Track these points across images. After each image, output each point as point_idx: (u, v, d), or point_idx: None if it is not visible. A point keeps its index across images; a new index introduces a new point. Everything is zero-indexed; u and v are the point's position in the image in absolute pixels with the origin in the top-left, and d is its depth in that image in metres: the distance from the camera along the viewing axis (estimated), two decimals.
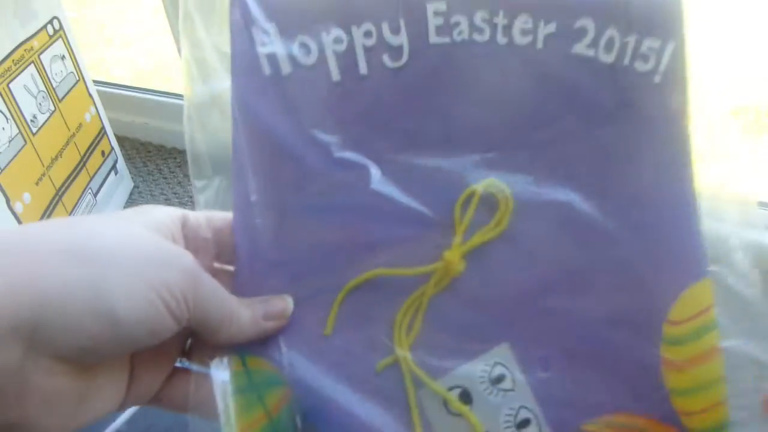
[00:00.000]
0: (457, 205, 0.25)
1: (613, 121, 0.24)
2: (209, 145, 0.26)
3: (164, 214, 0.24)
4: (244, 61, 0.24)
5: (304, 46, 0.24)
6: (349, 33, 0.24)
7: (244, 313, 0.24)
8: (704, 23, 0.24)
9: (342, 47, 0.24)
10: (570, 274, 0.25)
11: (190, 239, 0.25)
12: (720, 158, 0.25)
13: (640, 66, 0.24)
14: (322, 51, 0.24)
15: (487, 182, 0.25)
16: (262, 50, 0.24)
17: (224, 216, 0.26)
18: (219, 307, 0.23)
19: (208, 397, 0.24)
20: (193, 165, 0.26)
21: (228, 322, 0.23)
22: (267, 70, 0.24)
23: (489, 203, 0.25)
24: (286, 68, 0.24)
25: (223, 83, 0.25)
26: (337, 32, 0.24)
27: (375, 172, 0.25)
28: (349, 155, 0.25)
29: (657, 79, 0.24)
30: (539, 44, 0.24)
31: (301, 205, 0.25)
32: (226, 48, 0.24)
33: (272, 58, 0.24)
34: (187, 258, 0.22)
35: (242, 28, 0.24)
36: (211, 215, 0.26)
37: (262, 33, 0.24)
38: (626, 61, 0.24)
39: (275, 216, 0.25)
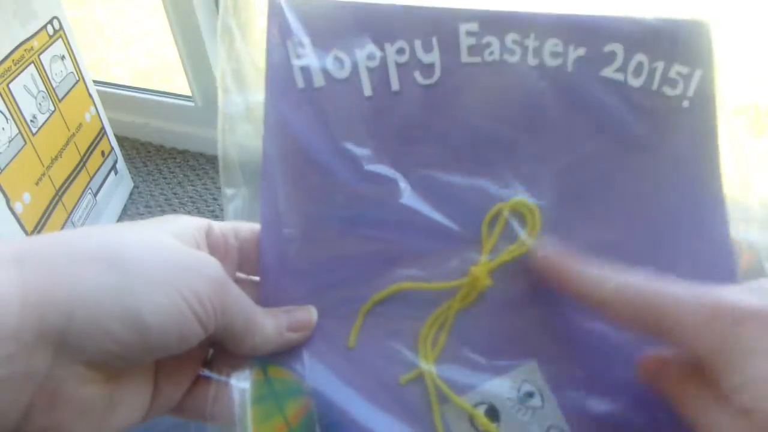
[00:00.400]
0: (484, 222, 0.25)
1: (641, 144, 0.25)
2: (241, 155, 0.26)
3: (189, 223, 0.24)
4: (279, 73, 0.24)
5: (338, 60, 0.24)
6: (382, 49, 0.24)
7: (269, 324, 0.24)
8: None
9: (375, 63, 0.24)
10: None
11: (214, 248, 0.24)
12: (742, 160, 0.25)
13: (669, 90, 0.25)
14: (355, 66, 0.24)
15: (515, 200, 0.25)
16: (297, 63, 0.24)
17: (250, 227, 0.25)
18: (244, 315, 0.23)
19: (228, 406, 0.23)
20: (224, 174, 0.26)
21: (252, 331, 0.23)
22: (301, 82, 0.24)
23: (516, 221, 0.25)
24: (319, 81, 0.24)
25: (258, 95, 0.25)
26: (370, 48, 0.24)
27: (404, 186, 0.25)
28: (379, 169, 0.25)
29: (686, 103, 0.25)
30: (569, 67, 0.24)
31: (329, 217, 0.25)
32: (262, 63, 0.25)
33: (306, 71, 0.24)
34: (215, 265, 0.22)
35: (278, 41, 0.24)
36: (236, 225, 0.25)
37: (297, 46, 0.24)
38: (655, 85, 0.25)
39: (302, 226, 0.25)
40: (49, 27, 0.63)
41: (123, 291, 0.20)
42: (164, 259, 0.21)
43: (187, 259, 0.22)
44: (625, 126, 0.25)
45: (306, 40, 0.24)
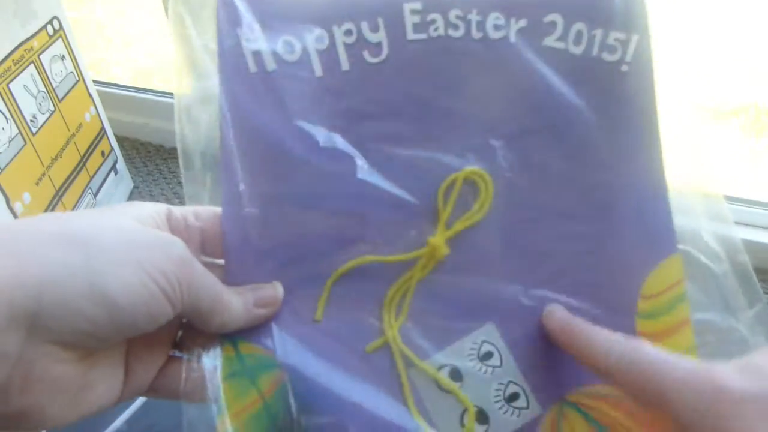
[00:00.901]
0: (439, 193, 0.26)
1: (584, 109, 0.26)
2: (199, 140, 0.26)
3: (149, 207, 0.24)
4: (231, 59, 0.25)
5: (288, 44, 0.25)
6: (330, 32, 0.25)
7: (235, 301, 0.24)
8: (685, 20, 0.26)
9: (324, 45, 0.25)
10: (547, 257, 0.26)
11: (175, 231, 0.25)
12: (687, 152, 0.27)
13: (608, 56, 0.26)
14: (305, 48, 0.25)
15: (468, 170, 0.26)
16: (248, 48, 0.25)
17: (209, 210, 0.26)
18: (211, 293, 0.23)
19: (201, 384, 0.24)
20: (183, 160, 0.27)
21: (220, 309, 0.24)
22: (253, 67, 0.25)
23: (470, 190, 0.26)
24: (270, 65, 0.25)
25: (213, 80, 0.25)
26: (319, 32, 0.25)
27: (360, 161, 0.25)
28: (335, 145, 0.25)
29: (624, 68, 0.26)
30: (512, 38, 0.25)
31: (289, 195, 0.26)
32: (214, 45, 0.25)
33: (257, 55, 0.25)
34: (179, 244, 0.23)
35: (228, 27, 0.25)
36: (196, 209, 0.26)
37: (247, 31, 0.25)
38: (594, 52, 0.26)
39: (263, 205, 0.26)
40: (49, 27, 0.63)
41: (90, 271, 0.20)
42: (128, 240, 0.21)
43: (151, 239, 0.22)
44: (569, 92, 0.26)
45: (256, 26, 0.25)
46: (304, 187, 0.25)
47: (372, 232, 0.26)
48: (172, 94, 1.00)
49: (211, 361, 0.24)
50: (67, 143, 0.66)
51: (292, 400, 0.24)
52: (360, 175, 0.25)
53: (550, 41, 0.25)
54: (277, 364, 0.25)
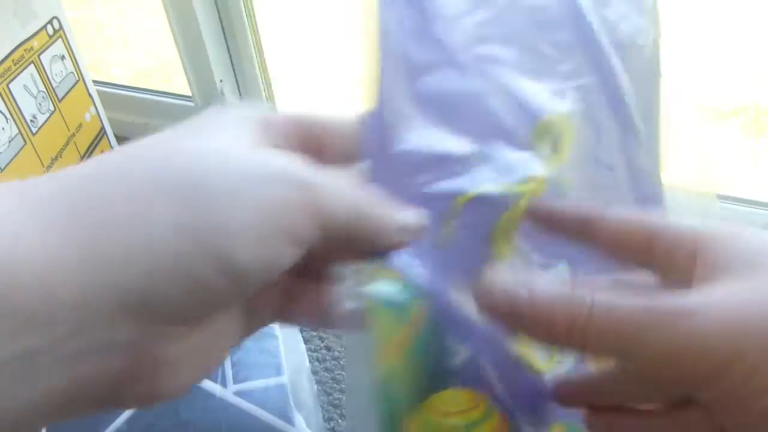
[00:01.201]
0: (537, 132, 0.28)
1: (623, 72, 0.30)
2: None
3: (246, 120, 0.20)
4: None
5: None
6: None
7: (385, 215, 0.21)
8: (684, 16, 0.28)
9: None
10: (597, 192, 0.30)
11: (277, 144, 0.20)
12: (684, 151, 0.31)
13: (639, 40, 0.30)
14: None
15: (560, 114, 0.28)
16: None
17: (309, 113, 0.22)
18: (348, 208, 0.19)
19: (345, 312, 0.21)
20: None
21: (364, 224, 0.20)
22: None
23: (558, 132, 0.29)
24: None
25: None
26: None
27: (486, 86, 0.27)
28: (466, 63, 0.27)
29: (647, 51, 0.31)
30: (583, 2, 0.29)
31: (425, 107, 0.26)
32: None
33: None
34: (298, 167, 0.18)
35: None
36: (295, 115, 0.22)
37: None
38: (633, 32, 0.30)
39: (405, 117, 0.26)
40: (49, 27, 0.63)
41: (204, 229, 0.16)
42: (240, 176, 0.17)
43: (265, 169, 0.18)
44: (616, 58, 0.30)
45: None
46: (442, 102, 0.26)
47: (489, 162, 0.27)
48: (172, 94, 0.99)
49: (353, 287, 0.22)
50: (67, 143, 0.66)
51: (438, 330, 0.25)
52: (485, 100, 0.26)
53: (606, 12, 0.30)
54: (420, 292, 0.24)
